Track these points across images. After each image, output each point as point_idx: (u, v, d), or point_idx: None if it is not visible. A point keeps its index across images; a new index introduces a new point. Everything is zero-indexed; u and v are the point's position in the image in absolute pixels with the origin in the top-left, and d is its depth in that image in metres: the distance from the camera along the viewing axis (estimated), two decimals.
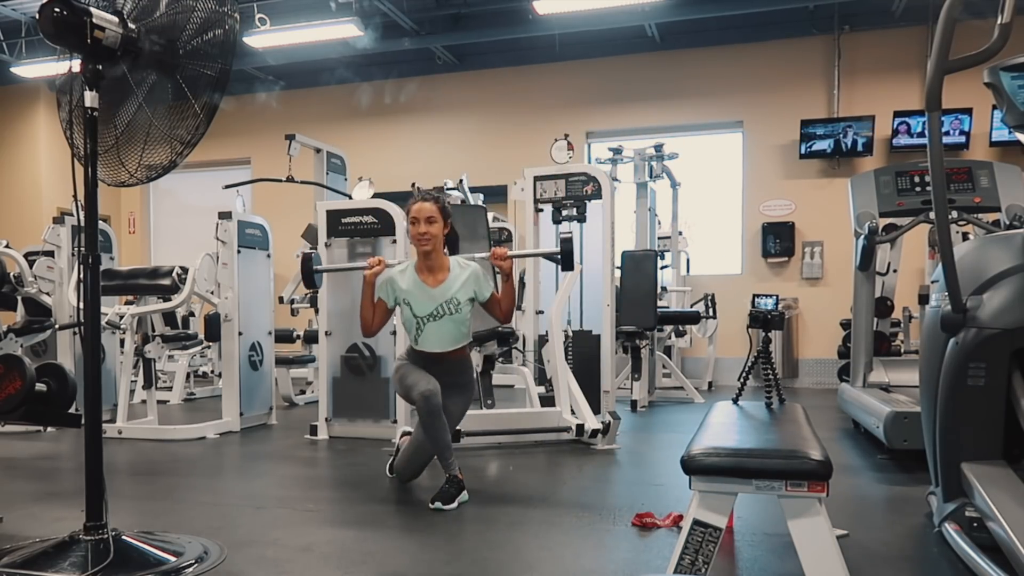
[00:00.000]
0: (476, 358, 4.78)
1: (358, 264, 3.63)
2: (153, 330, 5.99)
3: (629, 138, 8.54)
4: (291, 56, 8.99)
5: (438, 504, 3.12)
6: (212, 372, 8.14)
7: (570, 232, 3.59)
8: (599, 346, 5.17)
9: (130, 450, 4.66)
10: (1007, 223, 4.37)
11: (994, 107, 5.99)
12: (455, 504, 3.16)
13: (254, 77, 9.75)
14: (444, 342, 3.38)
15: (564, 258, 3.53)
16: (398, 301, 3.41)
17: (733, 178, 8.94)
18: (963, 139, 7.95)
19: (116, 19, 2.42)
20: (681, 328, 7.66)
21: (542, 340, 5.09)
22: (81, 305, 2.46)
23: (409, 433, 3.71)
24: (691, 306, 7.91)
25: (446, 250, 3.48)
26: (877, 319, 5.54)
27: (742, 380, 2.92)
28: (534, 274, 5.59)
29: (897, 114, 8.17)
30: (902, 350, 6.55)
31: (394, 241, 4.85)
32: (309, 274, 3.73)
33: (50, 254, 5.73)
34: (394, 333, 4.82)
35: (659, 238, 7.65)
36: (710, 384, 7.82)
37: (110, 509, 2.47)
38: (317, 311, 5.61)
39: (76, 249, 4.66)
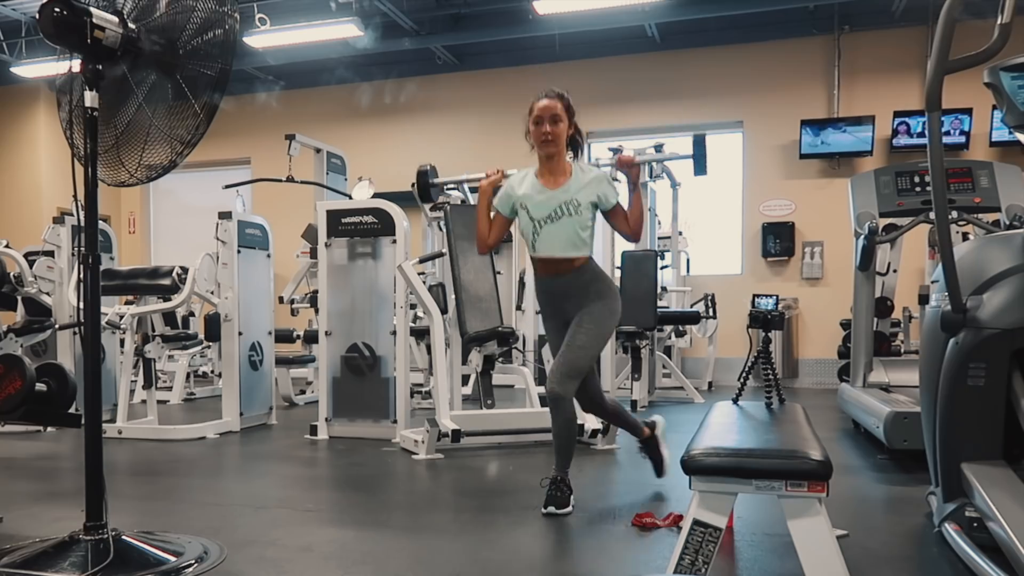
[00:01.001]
0: (476, 358, 4.79)
1: (477, 175, 3.38)
2: (153, 330, 5.99)
3: (629, 138, 8.54)
4: (291, 56, 8.99)
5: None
6: (212, 372, 8.14)
7: (704, 134, 3.29)
8: None
9: (130, 450, 4.66)
10: (1007, 223, 4.37)
11: (994, 107, 5.98)
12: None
13: (254, 77, 9.75)
14: (563, 246, 3.09)
15: (696, 161, 3.30)
16: (515, 206, 3.18)
17: (733, 178, 8.94)
18: (963, 139, 7.95)
19: (116, 19, 2.42)
20: (681, 328, 7.66)
21: (542, 340, 5.09)
22: (81, 305, 2.46)
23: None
24: (691, 306, 7.90)
25: (570, 154, 3.22)
26: (877, 319, 5.54)
27: (742, 380, 2.92)
28: (534, 274, 5.59)
29: (897, 114, 8.17)
30: (902, 350, 6.55)
31: (394, 241, 4.85)
32: (425, 187, 3.58)
33: (50, 254, 5.73)
34: (394, 333, 4.82)
35: (659, 238, 7.65)
36: (710, 384, 7.82)
37: (110, 509, 2.47)
38: (317, 311, 5.61)
39: (76, 249, 4.66)
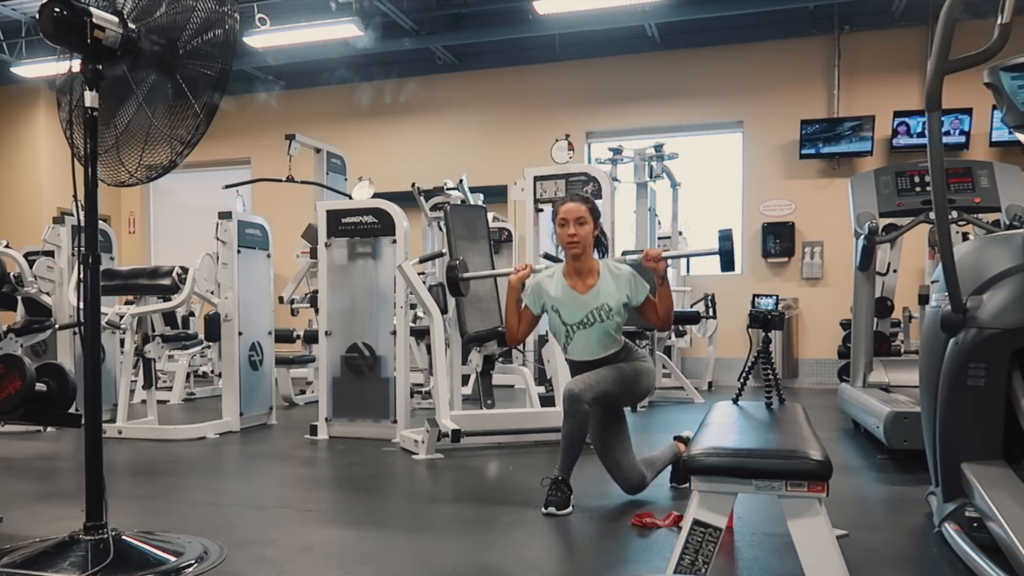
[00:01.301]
0: (476, 358, 4.79)
1: (505, 270, 3.47)
2: (153, 330, 5.99)
3: (629, 138, 8.54)
4: (291, 56, 8.99)
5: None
6: (212, 372, 8.14)
7: (730, 229, 3.20)
8: None
9: (130, 450, 4.66)
10: (1007, 223, 4.37)
11: (994, 107, 5.98)
12: (569, 509, 3.05)
13: (254, 77, 9.75)
14: (596, 349, 3.17)
15: (724, 257, 3.32)
16: (546, 308, 3.24)
17: (733, 178, 8.94)
18: (963, 139, 7.95)
19: (116, 19, 2.42)
20: (681, 328, 7.66)
21: (542, 340, 5.09)
22: (81, 305, 2.46)
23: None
24: (691, 306, 7.90)
25: (596, 253, 3.29)
26: (877, 319, 5.54)
27: (742, 380, 2.92)
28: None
29: (897, 114, 8.17)
30: (902, 350, 6.55)
31: (394, 241, 4.85)
32: (455, 282, 3.62)
33: (50, 254, 5.73)
34: (394, 333, 4.82)
35: (659, 238, 7.65)
36: (710, 384, 7.82)
37: (110, 509, 2.47)
38: (317, 311, 5.61)
39: (76, 249, 4.65)
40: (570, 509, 3.03)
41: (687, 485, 3.32)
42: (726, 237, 3.15)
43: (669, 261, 3.17)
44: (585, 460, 4.14)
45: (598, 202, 5.23)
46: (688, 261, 8.54)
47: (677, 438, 3.54)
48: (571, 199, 3.24)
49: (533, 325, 3.33)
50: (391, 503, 3.36)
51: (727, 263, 3.17)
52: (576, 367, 3.26)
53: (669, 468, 3.47)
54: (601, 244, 3.31)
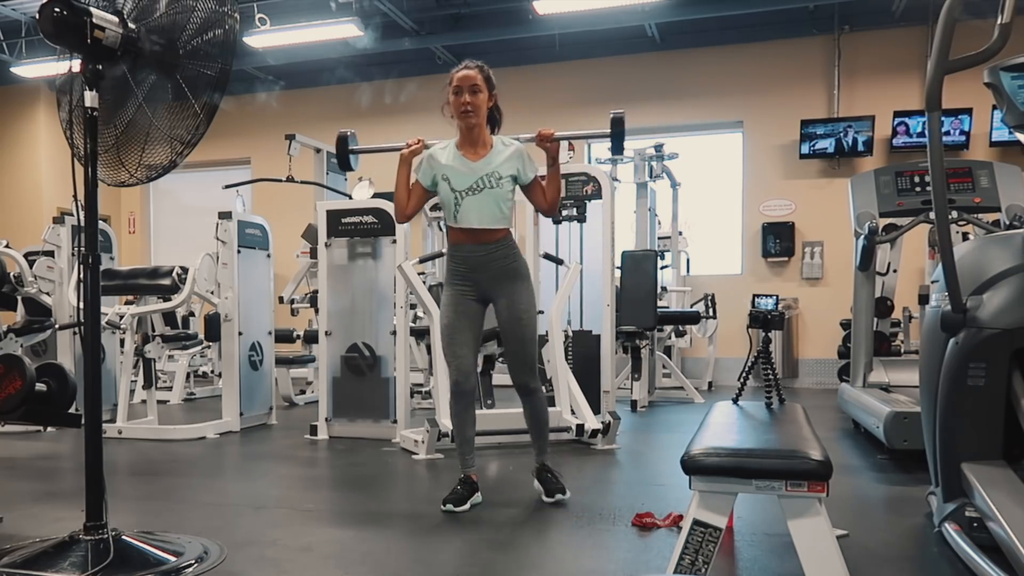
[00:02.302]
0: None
1: (395, 145, 3.36)
2: (153, 330, 5.99)
3: (629, 138, 8.49)
4: (291, 56, 8.99)
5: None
6: (212, 372, 8.14)
7: (622, 112, 3.29)
8: (599, 346, 5.17)
9: (130, 450, 4.66)
10: (1007, 223, 4.37)
11: (994, 107, 5.98)
12: (467, 506, 3.09)
13: (254, 77, 9.75)
14: (483, 217, 3.11)
15: (614, 140, 3.28)
16: (436, 178, 3.17)
17: (733, 178, 8.94)
18: (963, 139, 7.95)
19: (116, 19, 2.42)
20: (681, 328, 7.66)
21: (542, 340, 5.08)
22: (81, 305, 2.46)
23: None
24: (691, 306, 7.91)
25: (489, 126, 3.24)
26: (877, 319, 5.54)
27: (742, 380, 2.92)
28: (534, 274, 5.59)
29: (897, 114, 8.17)
30: (902, 350, 6.55)
31: (394, 241, 4.85)
32: (344, 155, 3.59)
33: (50, 254, 5.73)
34: (394, 333, 4.82)
35: (659, 238, 7.65)
36: (710, 384, 7.82)
37: (110, 509, 2.47)
38: (317, 311, 5.62)
39: (76, 249, 4.66)
40: (467, 506, 3.09)
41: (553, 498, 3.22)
42: (618, 120, 3.28)
43: (559, 143, 3.17)
44: (585, 460, 4.16)
45: (598, 202, 5.26)
46: (688, 261, 8.54)
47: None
48: (465, 66, 3.14)
49: (423, 201, 3.26)
50: (391, 503, 3.36)
51: (616, 145, 3.32)
52: (463, 235, 3.15)
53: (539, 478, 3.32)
54: (495, 118, 3.26)
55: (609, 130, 3.32)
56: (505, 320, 3.17)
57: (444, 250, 4.81)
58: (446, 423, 4.21)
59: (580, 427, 4.45)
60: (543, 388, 3.23)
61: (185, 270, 5.14)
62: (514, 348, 3.18)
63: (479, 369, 4.78)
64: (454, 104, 3.13)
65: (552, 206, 3.23)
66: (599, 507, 3.15)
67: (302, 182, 6.73)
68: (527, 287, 3.21)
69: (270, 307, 5.78)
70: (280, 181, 6.58)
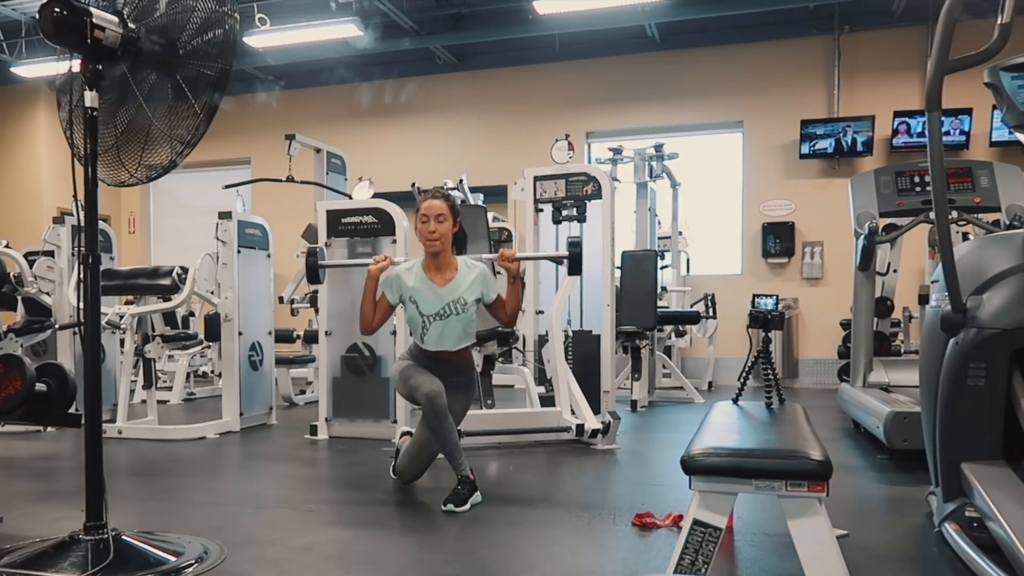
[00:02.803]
0: (476, 358, 4.78)
1: (363, 261, 3.60)
2: (153, 330, 5.99)
3: (629, 138, 8.54)
4: (291, 56, 8.99)
5: (450, 507, 3.06)
6: (212, 372, 8.14)
7: (579, 237, 3.53)
8: (599, 346, 5.17)
9: (130, 450, 4.66)
10: (1007, 223, 4.37)
11: (994, 107, 5.98)
12: (467, 506, 3.10)
13: (254, 77, 9.75)
14: (449, 341, 3.35)
15: (571, 262, 3.48)
16: (404, 299, 3.37)
17: (733, 178, 8.94)
18: (963, 139, 7.95)
19: (116, 19, 2.42)
20: (681, 328, 7.66)
21: (542, 340, 5.09)
22: (81, 305, 2.46)
23: (409, 433, 3.69)
24: (691, 306, 7.91)
25: (454, 249, 3.45)
26: (877, 319, 5.54)
27: (742, 380, 2.92)
28: (534, 274, 5.59)
29: (897, 114, 8.17)
30: (902, 350, 6.55)
31: (394, 241, 4.85)
32: (313, 269, 3.73)
33: (50, 254, 5.73)
34: (394, 333, 4.82)
35: (659, 238, 7.65)
36: (710, 384, 7.82)
37: (110, 509, 2.47)
38: (317, 311, 5.61)
39: (76, 249, 4.66)
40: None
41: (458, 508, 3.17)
42: (575, 244, 3.48)
43: (523, 264, 3.38)
44: (585, 460, 4.16)
45: (598, 202, 5.26)
46: (688, 261, 8.54)
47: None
48: (433, 196, 3.37)
49: (388, 315, 3.44)
50: (391, 503, 3.36)
51: (573, 267, 3.51)
52: (430, 358, 3.38)
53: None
54: (460, 241, 3.48)
55: (567, 252, 3.53)
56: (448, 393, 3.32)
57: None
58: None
59: (580, 427, 4.45)
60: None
61: (185, 270, 5.14)
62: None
63: (479, 369, 4.78)
64: (421, 231, 3.35)
65: (511, 319, 3.45)
66: (599, 507, 3.15)
67: (302, 182, 6.74)
68: (468, 399, 3.53)
69: (270, 307, 5.78)
70: (280, 181, 6.59)
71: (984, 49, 2.12)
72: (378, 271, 3.38)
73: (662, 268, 7.34)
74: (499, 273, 3.46)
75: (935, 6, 2.56)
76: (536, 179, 5.43)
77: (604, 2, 7.59)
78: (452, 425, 3.27)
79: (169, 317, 6.97)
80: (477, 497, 3.18)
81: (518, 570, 2.44)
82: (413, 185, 6.32)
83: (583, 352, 5.15)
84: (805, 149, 8.41)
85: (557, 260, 3.94)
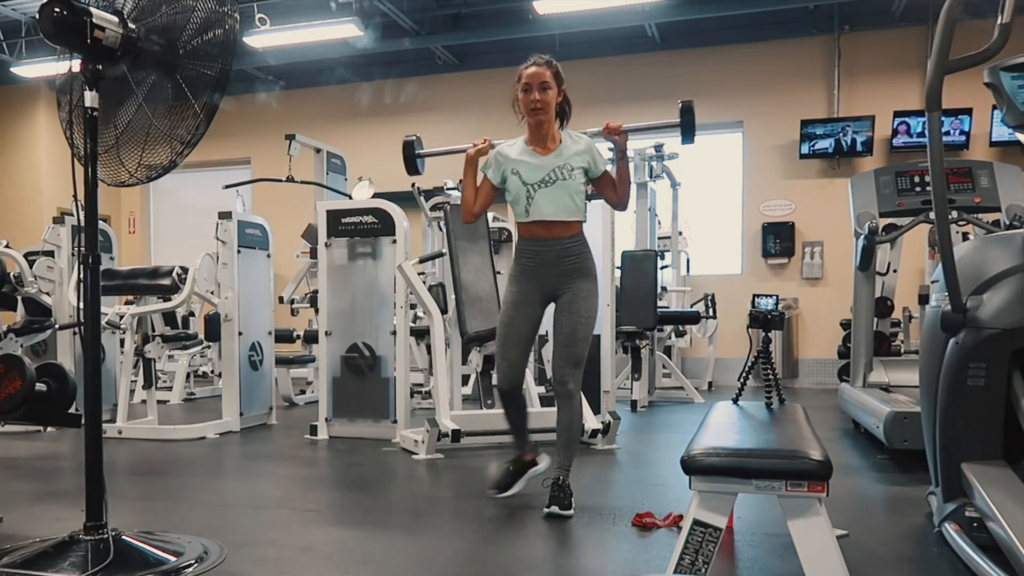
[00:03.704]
0: (476, 358, 4.79)
1: (462, 146, 3.35)
2: (153, 330, 5.99)
3: (629, 138, 8.52)
4: (291, 56, 8.99)
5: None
6: (212, 372, 8.14)
7: (691, 100, 3.26)
8: (599, 346, 5.17)
9: (130, 450, 4.66)
10: (1007, 223, 4.37)
11: (994, 107, 5.98)
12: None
13: (254, 77, 9.75)
14: (558, 209, 3.05)
15: (684, 128, 3.24)
16: (505, 174, 3.12)
17: (733, 178, 8.94)
18: (963, 139, 7.95)
19: (116, 19, 2.42)
20: (681, 328, 7.66)
21: (542, 340, 5.09)
22: (81, 305, 2.46)
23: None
24: (691, 306, 7.91)
25: (557, 121, 3.20)
26: (877, 319, 5.54)
27: (742, 380, 2.92)
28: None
29: (897, 114, 8.17)
30: (902, 350, 6.54)
31: (394, 241, 4.85)
32: (412, 159, 3.57)
33: (50, 254, 5.73)
34: (394, 333, 4.82)
35: (659, 238, 7.65)
36: (710, 384, 7.82)
37: (110, 509, 2.47)
38: (317, 311, 5.61)
39: (76, 249, 4.66)
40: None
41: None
42: (687, 110, 3.25)
43: (627, 135, 3.16)
44: (585, 460, 4.15)
45: (598, 202, 5.25)
46: (688, 261, 8.54)
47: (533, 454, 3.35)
48: (534, 63, 3.11)
49: (491, 199, 3.21)
50: (391, 503, 3.36)
51: (688, 134, 3.28)
52: (536, 228, 3.09)
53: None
54: (564, 112, 3.22)
55: (679, 119, 3.28)
56: (565, 315, 3.08)
57: (444, 250, 4.78)
58: (446, 423, 4.22)
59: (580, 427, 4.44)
60: (580, 394, 3.11)
61: (185, 270, 5.14)
62: (565, 342, 3.07)
63: (479, 369, 4.78)
64: (523, 101, 3.10)
65: (622, 198, 3.21)
66: (599, 507, 3.15)
67: (302, 182, 6.74)
68: (593, 287, 3.13)
69: (270, 307, 5.78)
70: (280, 181, 6.59)
71: (984, 49, 2.12)
72: (477, 153, 3.18)
73: (662, 268, 7.33)
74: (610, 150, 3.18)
75: (935, 6, 2.56)
76: None
77: (604, 2, 7.59)
78: (518, 412, 3.16)
79: (169, 317, 6.97)
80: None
81: (518, 570, 2.44)
82: (413, 185, 6.31)
83: None
84: (805, 149, 8.41)
85: (671, 127, 3.54)
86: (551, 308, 3.19)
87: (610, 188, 3.19)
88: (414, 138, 3.62)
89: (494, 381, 3.15)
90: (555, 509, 2.95)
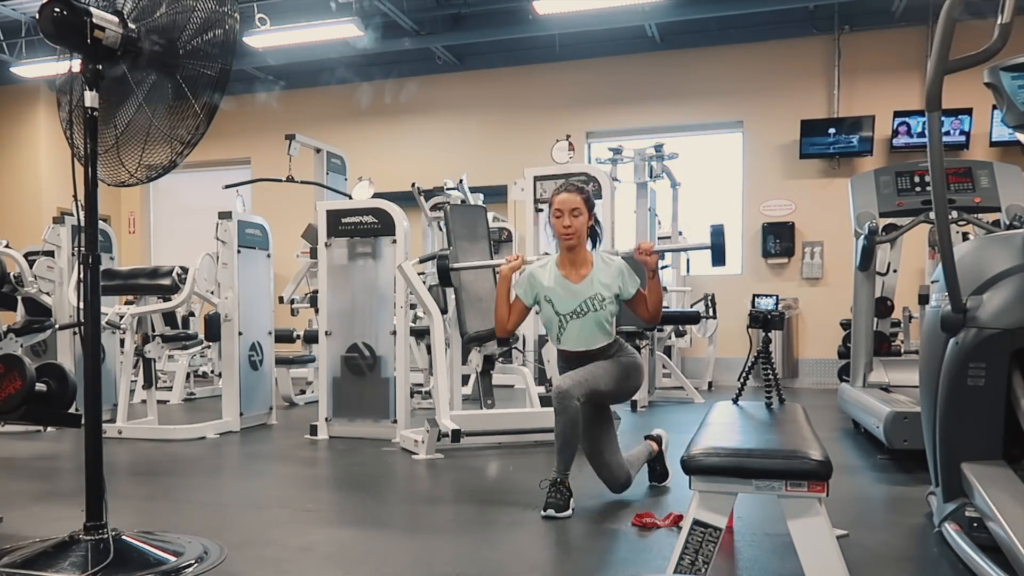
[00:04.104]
0: (476, 358, 4.79)
1: (496, 261, 3.47)
2: (153, 330, 5.99)
3: (629, 138, 8.54)
4: (291, 56, 8.99)
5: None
6: (212, 372, 8.14)
7: (722, 224, 3.31)
8: None
9: (130, 450, 4.66)
10: (1007, 223, 4.37)
11: (994, 107, 5.98)
12: (569, 512, 3.00)
13: (254, 77, 9.75)
14: (587, 340, 3.17)
15: (715, 252, 3.31)
16: (538, 299, 3.23)
17: (733, 178, 8.94)
18: (963, 139, 7.95)
19: (116, 19, 2.42)
20: (681, 328, 7.66)
21: (542, 340, 5.09)
22: (81, 305, 2.46)
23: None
24: (691, 306, 7.90)
25: (588, 244, 3.28)
26: (877, 319, 5.54)
27: (742, 380, 2.92)
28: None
29: (897, 114, 8.17)
30: (902, 350, 6.54)
31: (394, 241, 4.85)
32: (445, 272, 3.70)
33: (50, 254, 5.73)
34: (393, 333, 4.82)
35: (659, 238, 7.65)
36: (710, 384, 7.82)
37: (110, 509, 2.47)
38: (317, 311, 5.61)
39: (76, 249, 4.65)
40: (570, 512, 3.00)
41: (665, 483, 3.33)
42: (718, 233, 3.26)
43: (661, 255, 3.19)
44: (585, 459, 4.15)
45: (598, 202, 5.25)
46: (688, 261, 8.54)
47: (648, 437, 3.55)
48: (566, 189, 3.21)
49: (523, 317, 3.32)
50: (391, 503, 3.36)
51: (718, 258, 3.31)
52: (567, 359, 3.24)
53: (646, 468, 3.51)
54: (595, 234, 3.30)
55: (709, 242, 3.33)
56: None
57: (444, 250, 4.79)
58: (446, 423, 4.22)
59: None
60: (576, 403, 3.04)
61: (185, 270, 5.14)
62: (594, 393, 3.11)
63: (479, 369, 4.78)
64: (556, 227, 3.19)
65: (655, 316, 3.25)
66: (599, 507, 3.15)
67: (302, 182, 6.73)
68: (632, 363, 3.22)
69: (270, 307, 5.78)
70: (280, 181, 6.58)
71: (984, 49, 2.12)
72: (510, 271, 3.27)
73: (662, 268, 7.33)
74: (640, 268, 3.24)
75: (935, 6, 2.56)
76: (536, 179, 5.44)
77: (604, 2, 7.59)
78: (572, 428, 3.04)
79: (169, 317, 6.97)
80: (569, 511, 3.02)
81: (518, 570, 2.44)
82: (413, 185, 6.33)
83: None
84: (805, 149, 8.41)
85: (701, 249, 3.60)
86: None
87: (642, 305, 3.25)
88: (448, 252, 3.82)
89: (557, 383, 3.13)
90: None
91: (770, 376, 2.74)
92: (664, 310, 6.94)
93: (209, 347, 7.43)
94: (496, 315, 3.30)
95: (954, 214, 4.54)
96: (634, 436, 4.98)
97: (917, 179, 4.70)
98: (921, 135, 8.06)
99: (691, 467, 1.93)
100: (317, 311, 5.61)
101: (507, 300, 3.27)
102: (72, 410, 2.79)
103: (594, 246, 3.32)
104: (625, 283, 3.21)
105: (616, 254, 3.32)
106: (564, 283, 3.20)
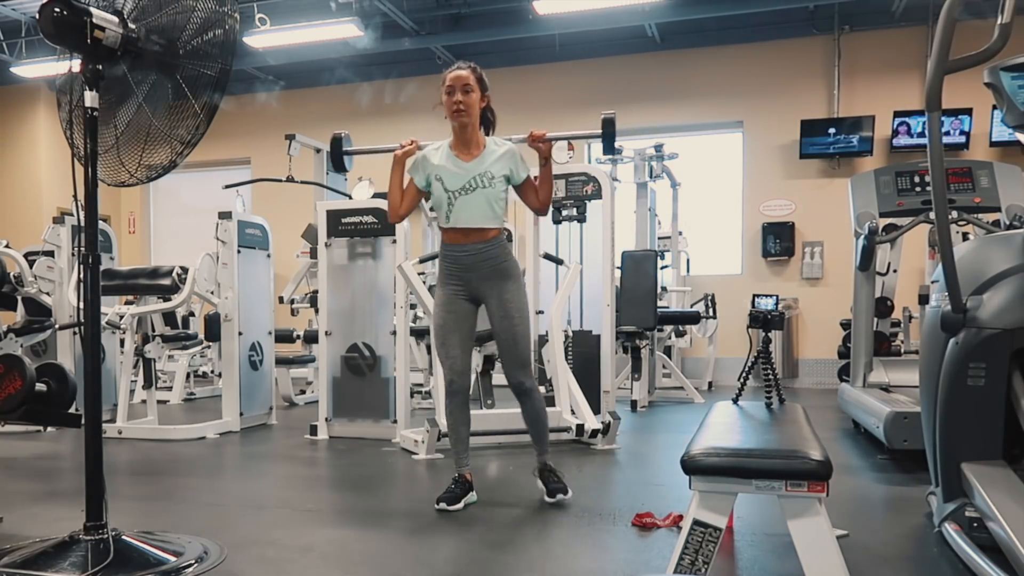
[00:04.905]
0: (476, 358, 4.79)
1: (390, 146, 3.39)
2: (153, 330, 5.99)
3: (629, 138, 8.53)
4: (291, 56, 8.99)
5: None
6: (212, 372, 8.14)
7: (613, 112, 3.39)
8: (599, 346, 5.17)
9: (130, 450, 4.66)
10: (1007, 223, 4.37)
11: (994, 107, 5.98)
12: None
13: (254, 77, 9.75)
14: (475, 217, 3.12)
15: (606, 140, 3.34)
16: (430, 178, 3.18)
17: (733, 178, 8.94)
18: (963, 139, 7.95)
19: (116, 19, 2.42)
20: (681, 328, 7.66)
21: (542, 340, 5.09)
22: (81, 305, 2.46)
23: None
24: (691, 306, 7.91)
25: (482, 129, 3.24)
26: (877, 319, 5.54)
27: (742, 380, 2.92)
28: (534, 274, 5.58)
29: (897, 114, 8.17)
30: (902, 350, 6.55)
31: (394, 241, 4.85)
32: (339, 156, 3.63)
33: (50, 254, 5.73)
34: (393, 333, 4.82)
35: (659, 238, 7.65)
36: (710, 384, 7.82)
37: (110, 509, 2.47)
38: (317, 311, 5.61)
39: (76, 249, 4.66)
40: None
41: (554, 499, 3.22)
42: (609, 122, 3.36)
43: (551, 143, 3.18)
44: (585, 460, 4.16)
45: (598, 202, 5.26)
46: (688, 261, 8.54)
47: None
48: (458, 67, 3.17)
49: (416, 201, 3.26)
50: (391, 503, 3.36)
51: (608, 144, 3.41)
52: (455, 235, 3.16)
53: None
54: (488, 120, 3.27)
55: (600, 131, 3.39)
56: (497, 319, 3.18)
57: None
58: (446, 423, 4.21)
59: (580, 427, 4.45)
60: (539, 387, 3.27)
61: (185, 270, 5.14)
62: (507, 346, 3.19)
63: (479, 369, 4.78)
64: (446, 104, 3.15)
65: (544, 205, 3.25)
66: (599, 507, 3.15)
67: (302, 182, 6.72)
68: (518, 286, 3.22)
69: (270, 307, 5.78)
70: (280, 181, 6.57)
71: (984, 49, 2.12)
72: (404, 155, 3.22)
73: (662, 268, 7.34)
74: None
75: (935, 6, 2.56)
76: None
77: (604, 2, 7.59)
78: (466, 418, 3.25)
79: (169, 317, 6.97)
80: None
81: (518, 570, 2.44)
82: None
83: (583, 352, 5.15)
84: (805, 149, 8.41)
85: (593, 138, 3.67)
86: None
87: (532, 194, 3.24)
88: (343, 135, 3.68)
89: (447, 370, 3.20)
90: (560, 496, 3.12)
91: (770, 376, 2.74)
92: (664, 310, 6.99)
93: (209, 347, 7.44)
94: (389, 201, 3.25)
95: (954, 214, 4.54)
96: (635, 436, 5.00)
97: (917, 179, 4.70)
98: (921, 135, 8.06)
99: (691, 467, 1.93)
100: (317, 311, 5.61)
101: (400, 185, 3.23)
102: (72, 410, 2.79)
103: (488, 132, 3.29)
104: (517, 167, 3.19)
105: (509, 140, 3.30)
106: (455, 160, 3.17)
